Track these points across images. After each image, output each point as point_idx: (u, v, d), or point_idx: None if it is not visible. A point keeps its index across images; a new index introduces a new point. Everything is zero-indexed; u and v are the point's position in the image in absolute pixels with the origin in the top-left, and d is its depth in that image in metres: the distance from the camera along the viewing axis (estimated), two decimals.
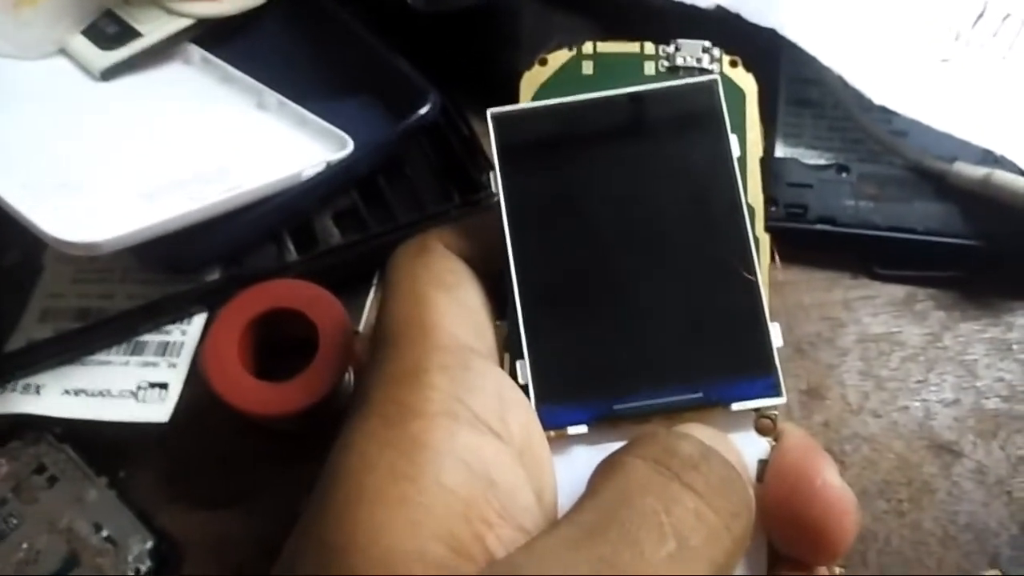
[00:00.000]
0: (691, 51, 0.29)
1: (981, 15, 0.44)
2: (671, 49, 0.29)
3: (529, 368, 0.25)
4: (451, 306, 0.26)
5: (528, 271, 0.26)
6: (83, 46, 0.44)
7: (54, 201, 0.35)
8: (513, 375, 0.25)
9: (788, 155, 0.44)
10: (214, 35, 0.46)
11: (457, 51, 0.43)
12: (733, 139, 0.27)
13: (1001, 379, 0.41)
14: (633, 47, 0.29)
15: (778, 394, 0.25)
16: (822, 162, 0.44)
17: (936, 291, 0.43)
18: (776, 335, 0.26)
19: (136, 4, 0.46)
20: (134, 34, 0.45)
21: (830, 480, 0.25)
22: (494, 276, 0.27)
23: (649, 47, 0.29)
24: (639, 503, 0.21)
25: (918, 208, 0.42)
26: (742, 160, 0.27)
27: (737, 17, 0.43)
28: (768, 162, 0.43)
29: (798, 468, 0.25)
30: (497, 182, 0.27)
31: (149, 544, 0.37)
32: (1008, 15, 0.44)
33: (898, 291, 0.43)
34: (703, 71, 0.28)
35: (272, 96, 0.44)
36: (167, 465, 0.39)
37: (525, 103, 0.28)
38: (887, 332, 0.42)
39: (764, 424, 0.26)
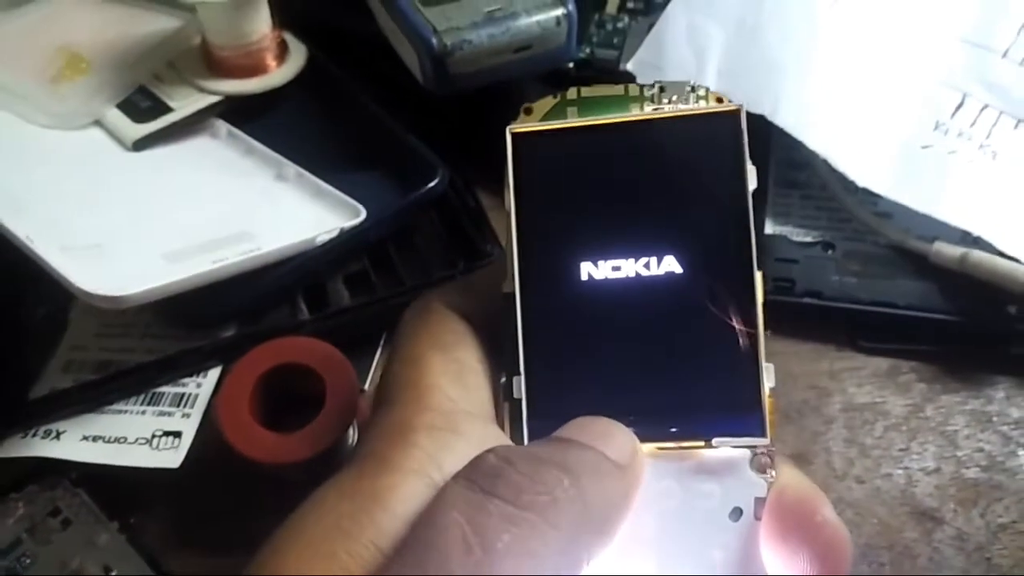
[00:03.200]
0: (676, 91, 0.28)
1: (960, 105, 0.47)
2: (655, 90, 0.28)
3: (524, 384, 0.27)
4: (447, 366, 0.27)
5: (531, 291, 0.27)
6: (117, 119, 0.48)
7: (85, 260, 0.37)
8: (509, 391, 0.27)
9: (777, 232, 0.46)
10: (240, 111, 0.50)
11: (465, 129, 0.46)
12: (751, 170, 0.27)
13: (981, 449, 0.42)
14: (617, 90, 0.28)
15: (762, 434, 0.26)
16: (809, 239, 0.46)
17: (919, 364, 0.45)
18: (769, 376, 0.26)
19: (168, 81, 0.49)
20: (165, 109, 0.48)
21: (828, 516, 0.26)
22: (495, 330, 0.28)
23: (633, 89, 0.28)
24: (442, 520, 0.22)
25: (900, 285, 0.44)
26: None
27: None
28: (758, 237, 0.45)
29: (796, 505, 0.26)
30: (509, 200, 0.27)
31: None
32: (985, 106, 0.46)
33: (882, 363, 0.45)
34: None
35: (291, 168, 0.47)
36: (177, 512, 0.41)
37: (544, 123, 0.28)
38: (871, 402, 0.44)
39: (761, 462, 0.26)
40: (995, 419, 0.43)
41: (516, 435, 0.27)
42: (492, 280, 0.28)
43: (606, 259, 0.27)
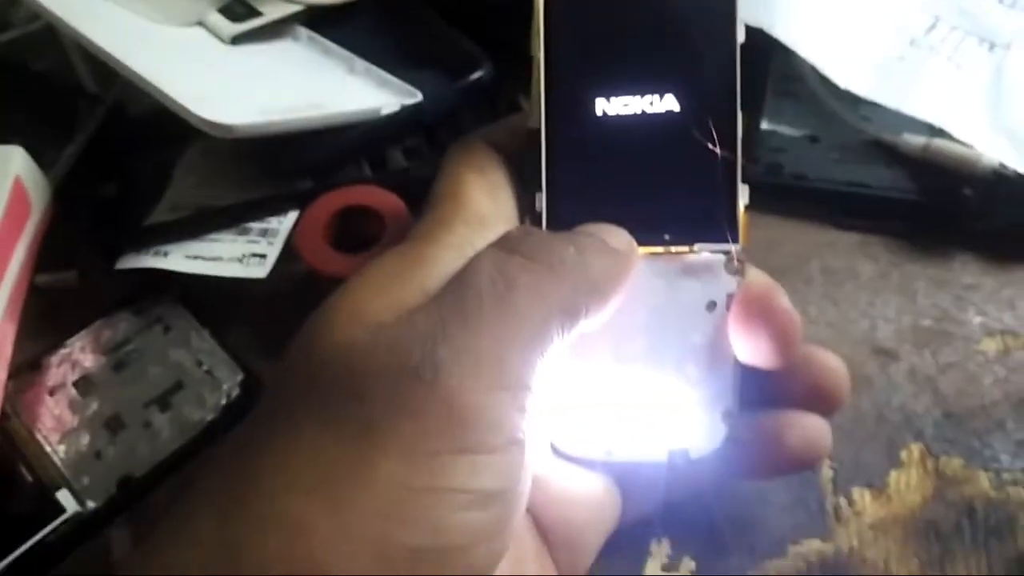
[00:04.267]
0: None
1: (933, 26, 0.54)
2: None
3: (544, 198, 0.33)
4: (482, 183, 0.33)
5: (554, 123, 0.33)
6: (217, 19, 0.57)
7: (203, 100, 0.45)
8: (532, 207, 0.33)
9: (771, 128, 0.54)
10: (318, 18, 0.58)
11: (509, 31, 0.55)
12: (740, 25, 0.32)
13: (936, 305, 0.49)
14: None
15: (735, 241, 0.32)
16: (798, 134, 0.54)
17: (887, 238, 0.52)
18: (744, 194, 0.32)
19: None
20: (257, 13, 0.57)
21: (783, 304, 0.33)
22: (525, 162, 0.34)
23: None
24: (475, 266, 0.29)
25: (873, 170, 0.52)
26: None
27: None
28: (755, 131, 0.53)
29: (759, 295, 0.33)
30: (539, 44, 0.33)
31: (239, 378, 0.47)
32: (954, 27, 0.54)
33: (855, 237, 0.52)
34: None
35: (360, 63, 0.56)
36: (259, 324, 0.49)
37: None
38: (844, 266, 0.51)
39: (733, 265, 0.33)
40: (950, 283, 0.50)
41: None
42: (523, 122, 0.35)
43: (617, 96, 0.33)
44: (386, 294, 0.30)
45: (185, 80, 0.46)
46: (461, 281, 0.29)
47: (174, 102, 0.45)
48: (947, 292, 0.50)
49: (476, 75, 0.54)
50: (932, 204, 0.51)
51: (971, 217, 0.50)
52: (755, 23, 0.53)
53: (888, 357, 0.48)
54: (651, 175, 0.33)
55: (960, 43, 0.54)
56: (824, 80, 0.53)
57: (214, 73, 0.52)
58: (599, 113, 0.33)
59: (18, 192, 0.46)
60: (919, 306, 0.50)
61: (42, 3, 0.50)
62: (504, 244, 0.30)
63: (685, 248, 0.33)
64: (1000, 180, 0.49)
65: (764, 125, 0.54)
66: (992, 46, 0.55)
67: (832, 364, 0.35)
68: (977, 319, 0.49)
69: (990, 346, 0.47)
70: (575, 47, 0.33)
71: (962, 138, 0.50)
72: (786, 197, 0.52)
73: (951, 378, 0.47)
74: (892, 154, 0.52)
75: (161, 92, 0.45)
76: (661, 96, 0.33)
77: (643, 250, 0.33)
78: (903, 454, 0.44)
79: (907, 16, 0.55)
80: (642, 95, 0.33)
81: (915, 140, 0.51)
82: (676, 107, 0.33)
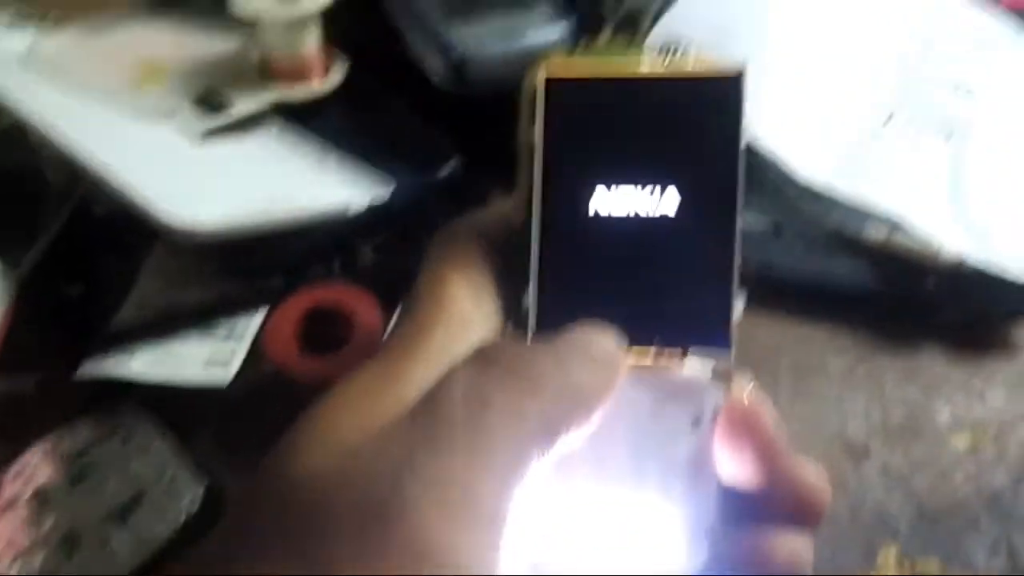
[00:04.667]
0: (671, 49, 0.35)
1: (891, 117, 0.56)
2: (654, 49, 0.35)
3: (533, 297, 0.32)
4: (463, 284, 0.32)
5: (546, 220, 0.31)
6: (188, 114, 0.57)
7: (170, 204, 0.45)
8: (519, 307, 0.32)
9: None
10: (290, 112, 0.59)
11: (480, 127, 0.55)
12: (746, 128, 0.30)
13: (905, 400, 0.50)
14: (620, 47, 0.35)
15: (727, 347, 0.31)
16: (761, 228, 0.54)
17: (855, 330, 0.52)
18: (739, 299, 0.31)
19: (231, 86, 0.59)
20: (227, 107, 0.58)
21: (769, 422, 0.31)
22: (511, 254, 0.32)
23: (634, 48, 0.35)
24: (449, 382, 0.27)
25: (837, 262, 0.52)
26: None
27: None
28: None
29: (744, 414, 0.31)
30: (538, 137, 0.31)
31: (202, 489, 0.45)
32: (911, 118, 0.56)
33: (824, 331, 0.53)
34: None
35: (331, 156, 0.56)
36: (224, 428, 0.48)
37: (575, 70, 0.31)
38: (814, 363, 0.51)
39: (720, 375, 0.31)
40: (918, 375, 0.50)
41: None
42: (512, 211, 0.32)
43: (617, 186, 0.31)
44: (358, 414, 0.28)
45: (150, 181, 0.46)
46: (434, 400, 0.28)
47: (138, 205, 0.44)
48: (915, 384, 0.50)
49: (446, 168, 0.54)
50: (896, 295, 0.51)
51: (935, 308, 0.51)
52: None
53: (860, 455, 0.48)
54: (645, 275, 0.32)
55: (918, 134, 0.55)
56: (786, 170, 0.54)
57: (181, 172, 0.52)
58: (593, 212, 0.32)
59: None
60: (888, 400, 0.50)
61: (10, 100, 0.50)
62: (479, 358, 0.29)
63: (677, 350, 0.32)
64: (962, 271, 0.50)
65: None
66: (949, 135, 0.56)
67: (813, 478, 0.34)
68: (947, 410, 0.49)
69: (960, 442, 0.47)
70: (573, 140, 0.32)
71: (923, 229, 0.51)
72: (753, 288, 0.52)
73: (923, 475, 0.47)
74: (855, 245, 0.52)
75: (126, 194, 0.45)
76: (659, 199, 0.31)
77: (633, 352, 0.32)
78: (879, 556, 0.44)
79: (866, 108, 0.56)
80: (642, 186, 0.31)
81: (877, 231, 0.52)
82: (672, 211, 0.31)
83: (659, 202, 0.31)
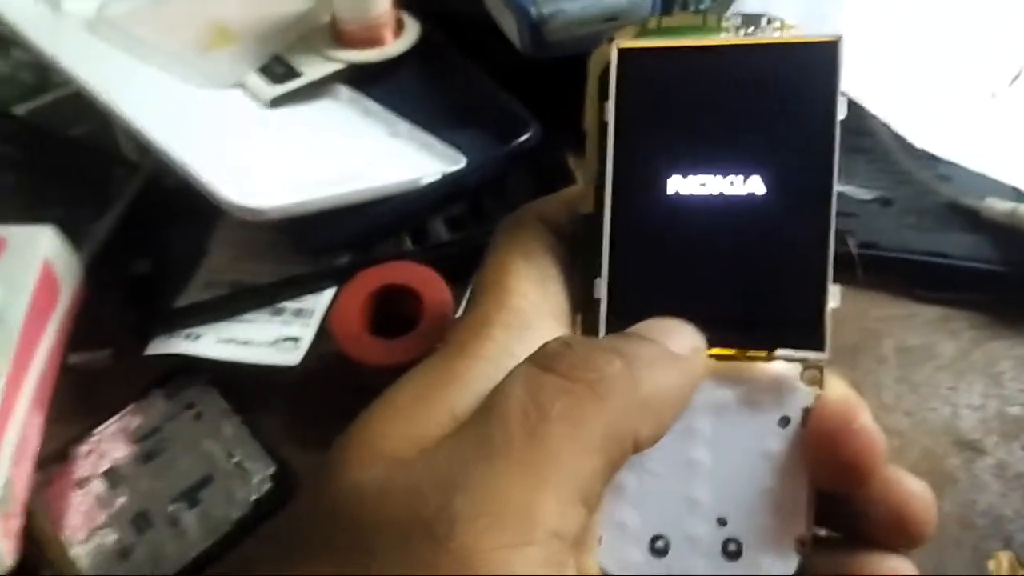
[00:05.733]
0: (753, 22, 0.29)
1: (1017, 77, 0.50)
2: (733, 20, 0.29)
3: (604, 285, 0.29)
4: (530, 272, 0.30)
5: (621, 201, 0.28)
6: (256, 81, 0.55)
7: (234, 181, 0.44)
8: (589, 295, 0.29)
9: (839, 190, 0.50)
10: (361, 78, 0.56)
11: (556, 94, 0.52)
12: (842, 100, 0.27)
13: None
14: (696, 19, 0.29)
15: (821, 348, 0.27)
16: (868, 197, 0.50)
17: (969, 312, 0.48)
18: (835, 296, 0.28)
19: (300, 51, 0.57)
20: (296, 74, 0.56)
21: (866, 423, 0.28)
22: (580, 238, 0.30)
23: (711, 19, 0.29)
24: (505, 390, 0.25)
25: (953, 237, 0.48)
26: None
27: None
28: None
29: (838, 413, 0.28)
30: (610, 113, 0.28)
31: (271, 471, 0.45)
32: None
33: (934, 311, 0.48)
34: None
35: (403, 125, 0.53)
36: (292, 410, 0.47)
37: (650, 41, 0.28)
38: (922, 345, 0.47)
39: (811, 375, 0.28)
40: None
41: (593, 334, 0.29)
42: (579, 196, 0.30)
43: (694, 175, 0.28)
44: (408, 422, 0.27)
45: (214, 158, 0.44)
46: (489, 409, 0.25)
47: (202, 183, 0.43)
48: None
49: (523, 138, 0.51)
50: (1019, 275, 0.46)
51: None
52: None
53: (973, 451, 0.43)
54: (727, 266, 0.29)
55: None
56: (898, 137, 0.49)
57: (247, 144, 0.50)
58: (671, 192, 0.29)
59: (47, 276, 0.45)
60: (1006, 390, 0.45)
61: (69, 68, 0.49)
62: (540, 360, 0.26)
63: (763, 352, 0.29)
64: None
65: None
66: None
67: (917, 491, 0.31)
68: None
69: None
70: (650, 115, 0.29)
71: None
72: (856, 267, 0.48)
73: None
74: (975, 220, 0.48)
75: (189, 172, 0.43)
76: (745, 177, 0.28)
77: (713, 352, 0.29)
78: (991, 564, 0.40)
79: (988, 64, 0.50)
80: (724, 175, 0.28)
81: (1000, 205, 0.47)
82: (760, 189, 0.28)
83: (746, 183, 0.28)
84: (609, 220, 0.29)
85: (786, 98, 0.28)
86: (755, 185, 0.28)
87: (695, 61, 0.28)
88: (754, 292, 0.28)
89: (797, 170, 0.28)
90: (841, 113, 0.27)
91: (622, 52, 0.28)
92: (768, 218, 0.28)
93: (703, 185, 0.28)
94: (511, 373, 0.26)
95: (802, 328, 0.28)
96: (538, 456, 0.24)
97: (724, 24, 0.29)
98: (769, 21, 0.29)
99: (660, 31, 0.30)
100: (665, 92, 0.28)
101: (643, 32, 0.30)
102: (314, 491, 0.27)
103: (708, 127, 0.28)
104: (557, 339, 0.27)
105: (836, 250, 0.48)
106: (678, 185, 0.28)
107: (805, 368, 0.28)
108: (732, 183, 0.28)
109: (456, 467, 0.24)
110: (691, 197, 0.28)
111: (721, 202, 0.28)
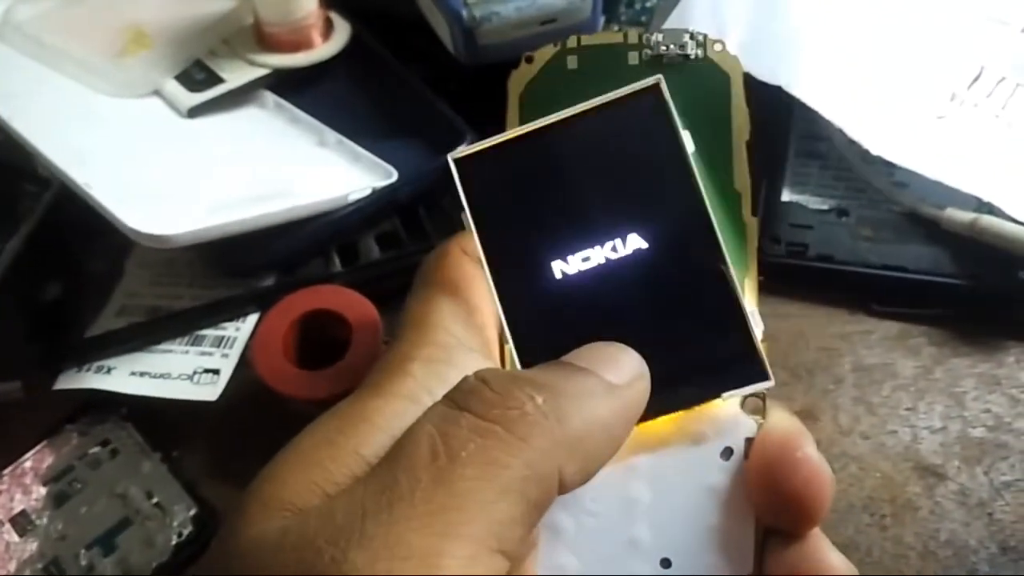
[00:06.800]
0: (674, 38, 0.28)
1: (977, 78, 0.48)
2: (655, 37, 0.28)
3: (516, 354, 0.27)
4: (455, 306, 0.29)
5: (512, 298, 0.27)
6: (175, 89, 0.51)
7: (138, 205, 0.40)
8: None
9: (793, 200, 0.48)
10: (286, 83, 0.53)
11: (491, 100, 0.49)
12: (686, 135, 0.27)
13: (988, 410, 0.43)
14: (616, 37, 0.29)
15: (765, 378, 0.26)
16: (824, 207, 0.47)
17: (929, 328, 0.45)
18: (757, 323, 0.26)
19: (222, 56, 0.53)
20: (218, 80, 0.52)
21: (810, 452, 0.27)
22: None
23: (632, 36, 0.29)
24: (416, 431, 0.23)
25: (912, 249, 0.45)
26: (723, 146, 0.28)
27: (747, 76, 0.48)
28: (774, 205, 0.47)
29: (780, 441, 0.27)
30: (469, 223, 0.27)
31: (192, 512, 0.42)
32: (1003, 78, 0.47)
33: (893, 327, 0.46)
34: (686, 58, 0.28)
35: (331, 135, 0.50)
36: (214, 445, 0.44)
37: (481, 143, 0.28)
38: (881, 363, 0.45)
39: (753, 404, 0.27)
40: (1003, 382, 0.44)
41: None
42: None
43: (574, 254, 0.27)
44: (314, 467, 0.25)
45: (119, 180, 0.41)
46: (397, 452, 0.23)
47: (103, 208, 0.39)
48: (1000, 393, 0.43)
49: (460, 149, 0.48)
50: (981, 289, 0.44)
51: None
52: (772, 80, 0.47)
53: (934, 477, 0.41)
54: (642, 329, 0.27)
55: (1010, 97, 0.47)
56: (853, 143, 0.46)
57: (161, 161, 0.46)
58: (559, 277, 0.27)
59: None
60: (968, 411, 0.43)
61: None
62: (455, 398, 0.24)
63: (710, 399, 0.27)
64: None
65: (785, 196, 0.48)
66: None
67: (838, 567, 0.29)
68: None
69: None
70: (511, 211, 0.28)
71: (1013, 213, 0.43)
72: (811, 281, 0.46)
73: (1008, 502, 0.40)
74: (934, 231, 0.45)
75: (89, 196, 0.40)
76: (623, 239, 0.27)
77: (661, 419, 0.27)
78: None
79: (946, 66, 0.48)
80: (602, 244, 0.27)
81: (960, 215, 0.45)
82: (643, 244, 0.27)
83: (626, 244, 0.27)
84: (505, 321, 0.27)
85: (631, 150, 0.27)
86: (636, 242, 0.27)
87: (532, 147, 0.27)
88: (678, 346, 0.27)
89: (669, 214, 0.27)
90: (689, 147, 0.27)
91: (459, 162, 0.27)
92: (663, 267, 0.27)
93: (586, 260, 0.27)
94: (425, 413, 0.24)
95: (739, 364, 0.27)
96: (446, 502, 0.22)
97: (645, 40, 0.29)
98: (692, 36, 0.29)
99: (579, 49, 0.29)
100: (515, 186, 0.28)
101: (562, 50, 0.29)
102: (216, 547, 0.25)
103: (569, 204, 0.27)
104: (475, 374, 0.25)
105: (794, 262, 0.46)
106: (562, 268, 0.27)
107: (745, 398, 0.27)
108: (614, 248, 0.27)
109: (354, 516, 0.22)
110: (580, 274, 0.27)
111: (613, 267, 0.27)
